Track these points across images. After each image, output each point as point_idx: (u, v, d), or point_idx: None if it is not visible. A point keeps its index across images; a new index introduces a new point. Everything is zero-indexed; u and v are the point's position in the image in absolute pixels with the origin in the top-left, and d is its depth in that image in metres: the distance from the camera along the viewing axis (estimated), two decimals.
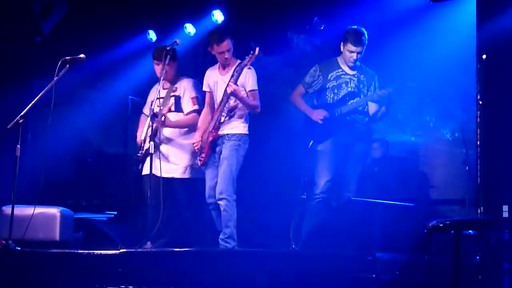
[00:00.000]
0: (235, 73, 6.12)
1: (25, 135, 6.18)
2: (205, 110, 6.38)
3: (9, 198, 5.61)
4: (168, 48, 6.11)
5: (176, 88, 6.42)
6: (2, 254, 5.37)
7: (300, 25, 7.84)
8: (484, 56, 5.21)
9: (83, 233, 7.14)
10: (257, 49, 6.00)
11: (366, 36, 6.05)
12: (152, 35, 8.49)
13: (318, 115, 6.16)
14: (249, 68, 6.11)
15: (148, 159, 6.19)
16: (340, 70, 6.16)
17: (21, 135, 5.57)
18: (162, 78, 6.15)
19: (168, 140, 6.41)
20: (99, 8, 8.03)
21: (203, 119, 6.34)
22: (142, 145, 6.36)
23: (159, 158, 6.14)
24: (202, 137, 6.26)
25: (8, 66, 7.96)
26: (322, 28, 7.80)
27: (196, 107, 6.37)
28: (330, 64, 6.22)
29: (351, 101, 6.05)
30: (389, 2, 7.17)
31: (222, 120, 6.13)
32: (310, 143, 6.15)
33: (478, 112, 5.17)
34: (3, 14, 7.25)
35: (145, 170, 6.34)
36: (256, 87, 6.18)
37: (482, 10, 5.28)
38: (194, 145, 6.29)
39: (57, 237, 6.42)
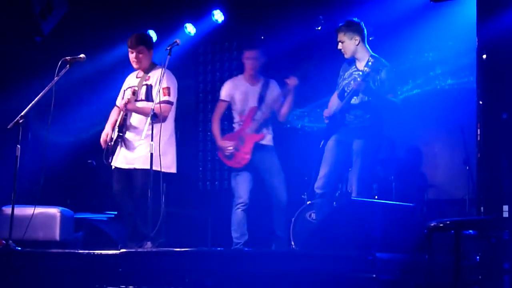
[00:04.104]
0: (264, 84, 6.71)
1: (25, 135, 6.18)
2: (218, 117, 6.79)
3: (9, 198, 5.61)
4: (168, 47, 6.09)
5: (149, 77, 6.20)
6: (2, 254, 5.37)
7: (301, 25, 7.86)
8: (484, 56, 5.20)
9: (83, 233, 7.14)
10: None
11: (346, 24, 6.02)
12: (152, 35, 8.49)
13: (324, 114, 6.18)
14: (275, 82, 6.74)
15: (145, 154, 6.03)
16: (354, 67, 6.08)
17: (21, 135, 5.57)
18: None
19: (136, 132, 6.15)
20: (99, 8, 8.04)
21: (218, 125, 6.76)
22: (111, 135, 6.19)
23: (124, 148, 6.10)
24: (229, 140, 6.59)
25: (8, 66, 7.95)
26: (319, 28, 7.81)
27: (166, 97, 6.07)
28: (349, 62, 6.16)
29: (354, 97, 5.98)
30: (389, 2, 7.17)
31: (260, 130, 6.61)
32: (322, 143, 6.14)
33: (478, 112, 5.16)
34: (3, 14, 7.24)
35: (116, 163, 6.19)
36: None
37: (482, 10, 5.27)
38: (229, 149, 6.57)
39: (57, 237, 6.43)
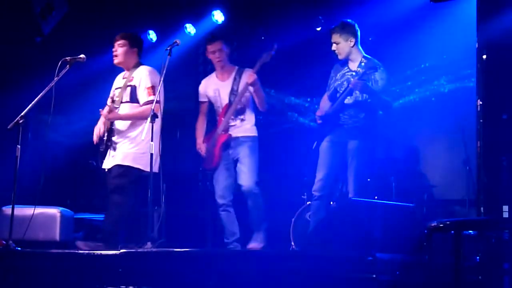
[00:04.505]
0: (236, 77, 6.41)
1: (25, 136, 6.17)
2: (201, 119, 6.64)
3: (9, 198, 5.61)
4: (168, 48, 6.08)
5: (133, 77, 6.06)
6: (2, 254, 5.37)
7: (301, 26, 7.87)
8: (484, 56, 5.20)
9: (83, 233, 7.14)
10: (275, 46, 6.25)
11: (341, 26, 6.00)
12: (152, 35, 8.51)
13: (317, 114, 6.17)
14: (250, 70, 6.33)
15: (124, 151, 6.00)
16: (346, 68, 6.09)
17: (21, 136, 5.57)
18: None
19: (119, 133, 6.08)
20: (99, 8, 8.03)
21: (199, 127, 6.61)
22: (104, 138, 6.12)
23: (112, 151, 6.05)
24: (206, 142, 6.50)
25: (8, 66, 7.95)
26: (319, 29, 7.82)
27: (152, 97, 5.88)
28: (341, 63, 6.16)
29: (348, 97, 5.99)
30: (389, 2, 7.17)
31: (232, 123, 6.39)
32: (314, 144, 6.14)
33: (478, 113, 5.16)
34: (3, 14, 7.25)
35: (105, 165, 6.13)
36: (259, 85, 6.37)
37: (482, 10, 5.27)
38: (201, 150, 6.49)
39: (57, 237, 6.43)
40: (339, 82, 6.08)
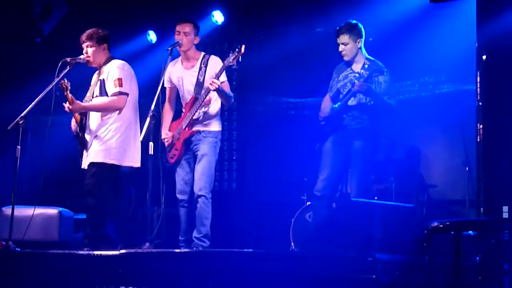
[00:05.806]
0: (202, 66, 6.17)
1: (25, 136, 6.17)
2: (166, 105, 6.38)
3: (9, 199, 5.62)
4: (169, 48, 6.08)
5: (103, 71, 6.01)
6: (2, 255, 5.37)
7: (301, 26, 7.87)
8: (484, 57, 5.20)
9: (83, 233, 7.14)
10: (243, 46, 5.95)
11: (349, 27, 5.98)
12: (152, 36, 8.51)
13: (320, 115, 6.18)
14: (216, 59, 6.15)
15: (95, 149, 5.91)
16: (349, 69, 6.09)
17: (21, 136, 5.57)
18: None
19: (90, 130, 6.01)
20: (99, 8, 8.04)
21: (166, 114, 6.35)
22: (77, 135, 6.06)
23: (85, 150, 5.99)
24: (172, 131, 6.27)
25: (8, 67, 7.96)
26: (319, 30, 7.82)
27: (118, 88, 5.87)
28: (344, 65, 6.15)
29: (352, 98, 5.99)
30: (389, 3, 7.18)
31: (195, 117, 6.16)
32: (317, 145, 6.13)
33: (478, 113, 5.16)
34: (3, 14, 7.26)
35: (83, 165, 6.05)
36: (226, 78, 6.20)
37: (482, 10, 5.28)
38: (165, 140, 6.26)
39: (57, 238, 6.43)
40: (342, 83, 6.09)
